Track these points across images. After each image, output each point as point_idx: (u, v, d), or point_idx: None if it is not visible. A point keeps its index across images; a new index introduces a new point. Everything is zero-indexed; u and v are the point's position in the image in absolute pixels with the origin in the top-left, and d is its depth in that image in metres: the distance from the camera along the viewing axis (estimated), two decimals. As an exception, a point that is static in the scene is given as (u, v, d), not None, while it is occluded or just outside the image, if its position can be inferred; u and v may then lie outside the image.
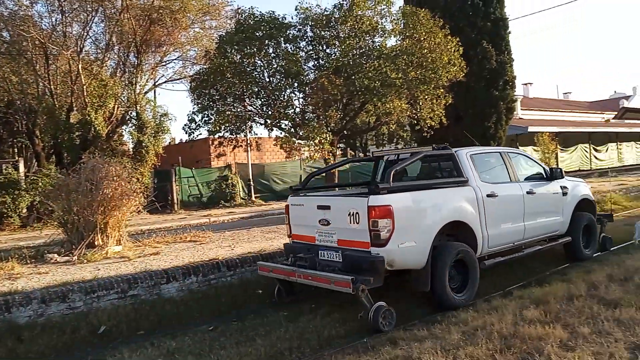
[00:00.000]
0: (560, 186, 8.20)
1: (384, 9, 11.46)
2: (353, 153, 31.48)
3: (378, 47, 11.61)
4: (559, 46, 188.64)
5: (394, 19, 11.57)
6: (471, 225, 6.49)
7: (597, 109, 45.40)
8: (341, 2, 11.57)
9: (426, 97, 11.86)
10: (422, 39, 11.02)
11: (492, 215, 6.79)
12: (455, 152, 6.93)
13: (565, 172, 8.52)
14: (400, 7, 11.95)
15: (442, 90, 11.85)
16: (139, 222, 14.80)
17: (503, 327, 5.05)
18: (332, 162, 12.04)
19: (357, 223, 5.80)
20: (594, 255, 8.55)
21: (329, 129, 11.87)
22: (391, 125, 12.77)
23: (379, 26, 11.45)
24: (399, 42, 11.73)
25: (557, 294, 6.06)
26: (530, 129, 26.26)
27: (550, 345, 4.44)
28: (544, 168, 8.27)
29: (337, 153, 17.74)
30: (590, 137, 33.58)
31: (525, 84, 43.95)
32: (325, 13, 11.82)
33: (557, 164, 29.09)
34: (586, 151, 32.76)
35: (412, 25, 11.14)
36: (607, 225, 9.42)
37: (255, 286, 8.02)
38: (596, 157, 33.70)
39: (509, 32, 15.54)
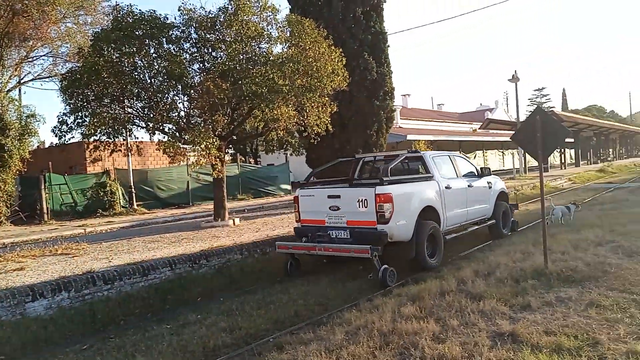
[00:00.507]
0: (487, 181, 10.77)
1: (269, 16, 11.54)
2: (243, 159, 31.16)
3: (264, 53, 11.64)
4: (433, 60, 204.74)
5: (279, 27, 11.69)
6: (437, 209, 8.72)
7: (466, 119, 50.12)
8: (226, 6, 11.42)
9: (312, 104, 12.13)
10: (307, 47, 11.26)
11: (449, 202, 9.10)
12: (423, 154, 9.39)
13: None
14: (286, 15, 12.12)
15: (327, 98, 12.21)
16: (0, 235, 13.24)
17: (383, 324, 5.31)
18: (219, 168, 11.78)
19: (366, 207, 7.73)
20: (508, 233, 11.19)
21: (216, 134, 11.61)
22: (279, 132, 12.84)
23: (265, 32, 11.49)
24: (286, 50, 11.86)
25: (432, 290, 6.53)
26: (409, 137, 28.16)
27: (424, 339, 4.76)
28: (475, 168, 10.83)
29: (226, 159, 17.44)
30: (461, 145, 36.93)
31: (404, 95, 47.12)
32: (210, 16, 11.57)
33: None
34: (457, 158, 35.90)
35: (298, 34, 11.34)
36: (514, 212, 12.05)
37: (137, 299, 7.59)
38: (466, 164, 37.08)
39: (388, 46, 16.51)
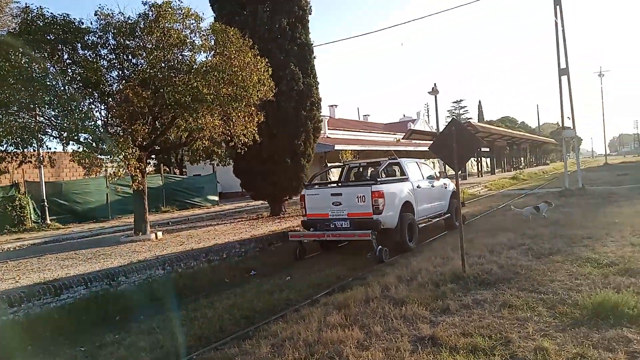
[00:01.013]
0: (444, 183, 13.36)
1: (192, 23, 11.26)
2: (168, 169, 30.11)
3: (188, 61, 11.33)
4: (359, 72, 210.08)
5: (203, 35, 11.45)
6: (412, 204, 11.09)
7: (390, 130, 51.80)
8: (147, 12, 10.99)
9: (239, 114, 11.98)
10: (232, 56, 11.12)
11: (419, 198, 11.51)
12: (400, 161, 11.79)
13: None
14: (210, 23, 11.89)
15: (253, 108, 12.11)
16: None
17: (309, 334, 5.30)
18: (139, 179, 11.28)
19: (363, 202, 9.96)
20: (457, 224, 12.94)
21: (136, 144, 11.11)
22: (205, 141, 12.54)
23: (188, 40, 11.19)
24: (210, 58, 11.62)
25: (357, 298, 6.62)
26: (337, 147, 28.59)
27: (349, 347, 4.80)
28: (434, 172, 13.44)
29: (149, 169, 16.75)
30: (386, 154, 38.04)
31: (332, 106, 47.86)
32: (130, 22, 11.09)
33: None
34: (383, 167, 36.98)
35: (223, 43, 11.17)
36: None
37: (48, 322, 7.04)
38: (391, 172, 38.28)
39: (314, 57, 16.71)
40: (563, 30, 22.17)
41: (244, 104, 11.36)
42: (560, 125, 25.57)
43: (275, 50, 15.14)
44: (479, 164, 45.04)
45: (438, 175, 13.37)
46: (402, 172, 11.72)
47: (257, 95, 11.67)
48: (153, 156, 16.57)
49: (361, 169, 12.50)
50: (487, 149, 45.84)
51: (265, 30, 15.37)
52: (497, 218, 14.71)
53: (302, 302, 7.19)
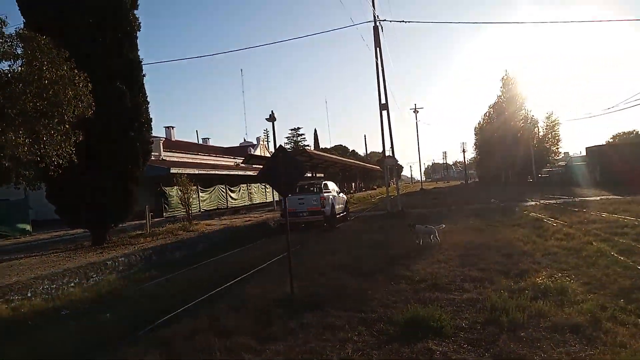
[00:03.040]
0: (343, 195, 24.17)
1: (-7, 27, 9.70)
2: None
3: (-16, 70, 9.70)
4: (199, 94, 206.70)
5: (5, 41, 9.90)
6: (334, 205, 20.70)
7: (230, 154, 51.54)
8: None
9: (51, 132, 10.59)
10: (44, 68, 9.84)
11: (336, 202, 21.13)
12: (326, 182, 22.37)
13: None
14: (17, 29, 10.39)
15: (68, 126, 10.82)
16: None
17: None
18: None
19: (315, 202, 19.34)
20: (349, 218, 24.19)
21: None
22: (4, 162, 10.76)
23: (-15, 46, 9.60)
24: (15, 68, 10.11)
25: (182, 332, 6.20)
26: (173, 169, 27.30)
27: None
28: (339, 188, 24.76)
29: None
30: (227, 178, 37.61)
31: (168, 127, 45.91)
32: None
33: (199, 203, 31.26)
34: (223, 191, 36.45)
35: (31, 52, 9.83)
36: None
37: None
38: (231, 197, 37.91)
39: (144, 75, 15.82)
40: (383, 70, 24.72)
41: (56, 120, 10.08)
42: (383, 154, 28.16)
43: (98, 65, 13.86)
44: (315, 188, 47.18)
45: (340, 190, 24.86)
46: (326, 187, 21.13)
47: (74, 112, 10.49)
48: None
49: (306, 185, 21.05)
50: (321, 175, 48.38)
51: (87, 44, 14.02)
52: (326, 240, 15.39)
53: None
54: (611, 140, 63.01)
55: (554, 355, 4.63)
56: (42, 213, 26.92)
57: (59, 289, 10.36)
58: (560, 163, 60.75)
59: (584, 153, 49.30)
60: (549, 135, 57.65)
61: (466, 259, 9.70)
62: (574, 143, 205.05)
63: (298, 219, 18.88)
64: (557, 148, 58.67)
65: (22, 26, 12.34)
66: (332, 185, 22.00)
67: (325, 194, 19.72)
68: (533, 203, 23.73)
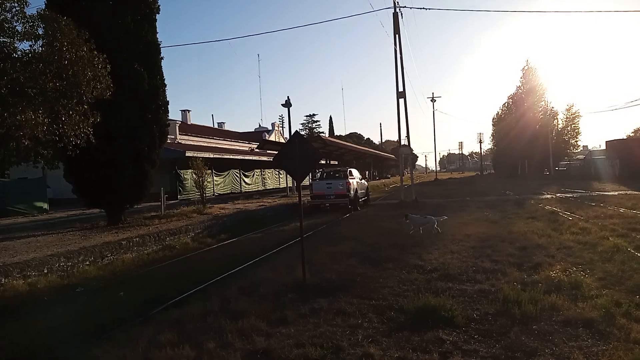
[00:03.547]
0: (365, 181, 26.89)
1: (15, 7, 9.75)
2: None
3: (6, 49, 9.78)
4: (216, 79, 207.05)
5: (27, 21, 9.96)
6: (357, 190, 23.29)
7: (245, 139, 51.67)
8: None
9: (70, 112, 10.69)
10: (64, 48, 9.90)
11: (358, 187, 23.62)
12: (350, 169, 24.42)
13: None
14: (38, 10, 10.45)
15: (87, 107, 10.91)
16: None
17: (135, 357, 4.84)
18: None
19: (342, 187, 22.00)
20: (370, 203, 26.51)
21: None
22: (24, 141, 10.92)
23: (7, 26, 9.65)
24: (35, 48, 10.19)
25: (194, 314, 6.27)
26: (188, 153, 27.49)
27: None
28: (361, 175, 26.30)
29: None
30: (241, 163, 37.77)
31: (185, 111, 46.10)
32: None
33: (213, 187, 31.47)
34: (237, 176, 36.63)
35: (52, 32, 9.89)
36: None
37: None
38: (245, 182, 38.10)
39: (162, 57, 15.82)
40: (401, 58, 24.42)
41: (74, 101, 10.17)
42: (399, 143, 27.97)
43: (117, 47, 13.93)
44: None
45: (362, 176, 26.47)
46: (351, 174, 23.19)
47: (92, 93, 10.58)
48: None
49: (332, 172, 23.97)
50: (335, 162, 48.28)
51: (107, 25, 14.07)
52: (340, 227, 15.42)
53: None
54: (632, 134, 61.81)
55: (565, 349, 4.60)
56: (59, 192, 27.48)
57: (75, 266, 10.55)
58: (578, 156, 59.85)
59: (603, 147, 48.48)
60: (568, 128, 56.77)
61: (479, 251, 9.65)
62: (594, 136, 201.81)
63: (326, 200, 22.17)
64: (577, 141, 57.80)
65: (43, 7, 12.52)
66: (355, 173, 24.25)
67: (350, 180, 22.05)
68: (549, 196, 23.45)
